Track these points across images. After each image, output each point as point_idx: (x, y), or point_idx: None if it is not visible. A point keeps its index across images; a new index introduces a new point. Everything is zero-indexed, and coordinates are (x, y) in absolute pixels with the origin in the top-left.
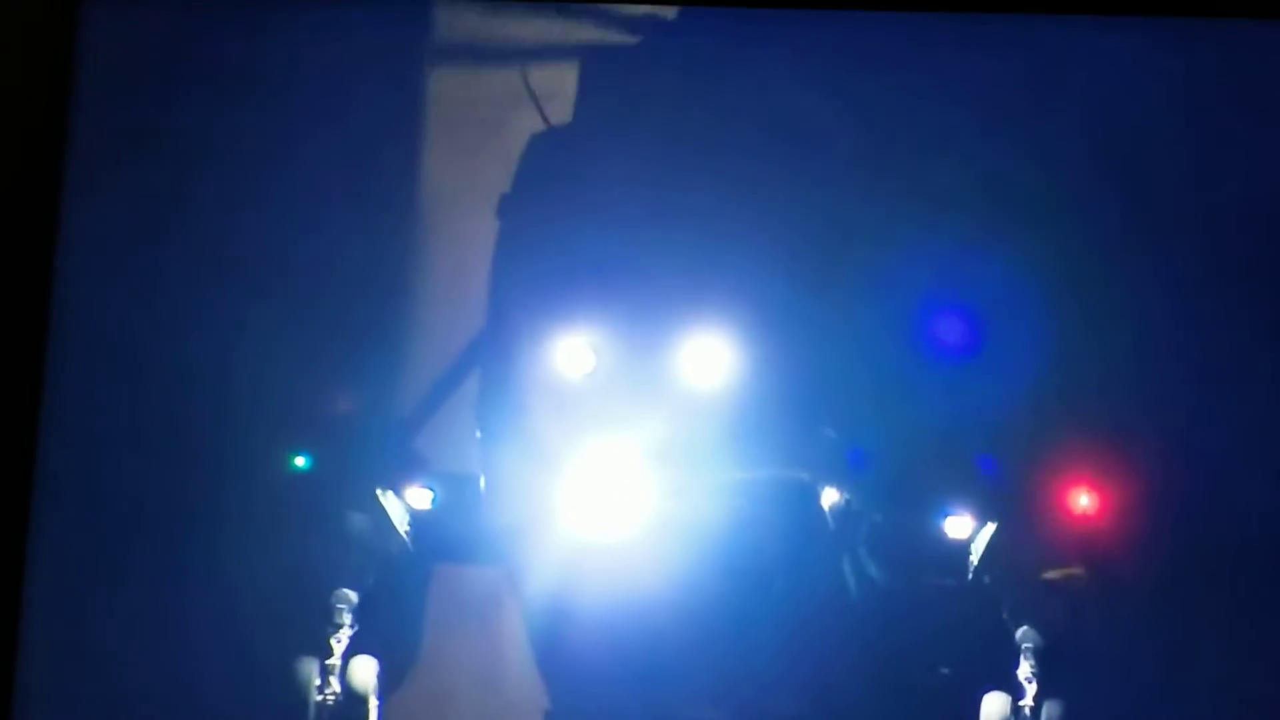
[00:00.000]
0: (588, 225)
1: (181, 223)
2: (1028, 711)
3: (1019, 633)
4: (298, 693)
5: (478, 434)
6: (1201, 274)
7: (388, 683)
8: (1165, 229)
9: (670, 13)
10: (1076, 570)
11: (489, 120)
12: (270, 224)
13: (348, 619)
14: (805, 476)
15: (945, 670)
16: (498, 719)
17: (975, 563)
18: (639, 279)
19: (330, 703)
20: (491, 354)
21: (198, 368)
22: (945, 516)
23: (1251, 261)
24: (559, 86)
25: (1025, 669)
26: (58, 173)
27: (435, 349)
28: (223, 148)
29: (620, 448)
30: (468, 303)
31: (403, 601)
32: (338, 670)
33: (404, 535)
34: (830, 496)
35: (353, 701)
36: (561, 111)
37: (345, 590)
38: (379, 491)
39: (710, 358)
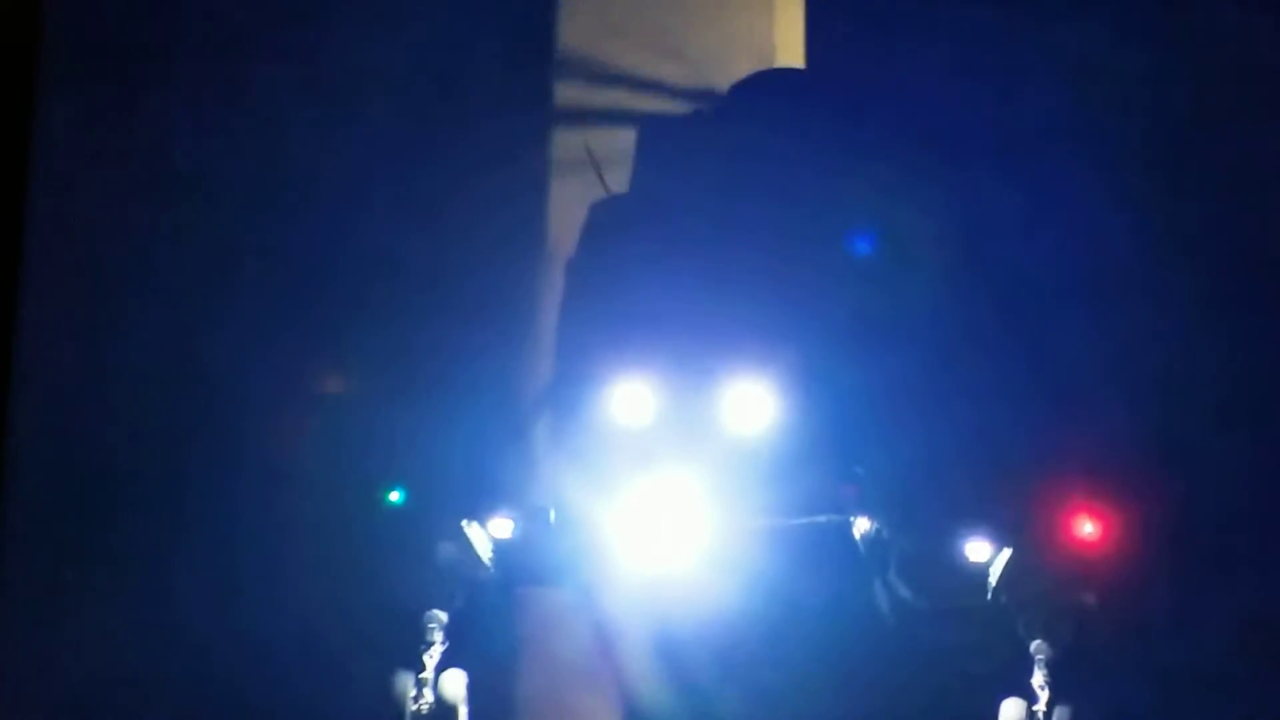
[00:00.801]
0: (645, 283)
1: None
2: (1041, 716)
3: (1033, 645)
4: (395, 703)
5: (547, 470)
6: (1206, 313)
7: (475, 692)
8: (1174, 261)
9: (722, 89)
10: (1083, 589)
11: (557, 178)
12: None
13: (439, 636)
14: (840, 518)
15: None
16: None
17: (993, 584)
18: (691, 331)
19: (424, 711)
20: (557, 399)
21: (297, 414)
22: (966, 543)
23: (1257, 294)
24: (619, 153)
25: (1039, 678)
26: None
27: (507, 397)
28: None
29: (674, 484)
30: (535, 353)
31: (488, 620)
32: (430, 682)
33: (487, 561)
34: (862, 526)
35: (444, 710)
36: (620, 178)
37: (436, 611)
38: (464, 523)
39: (755, 402)
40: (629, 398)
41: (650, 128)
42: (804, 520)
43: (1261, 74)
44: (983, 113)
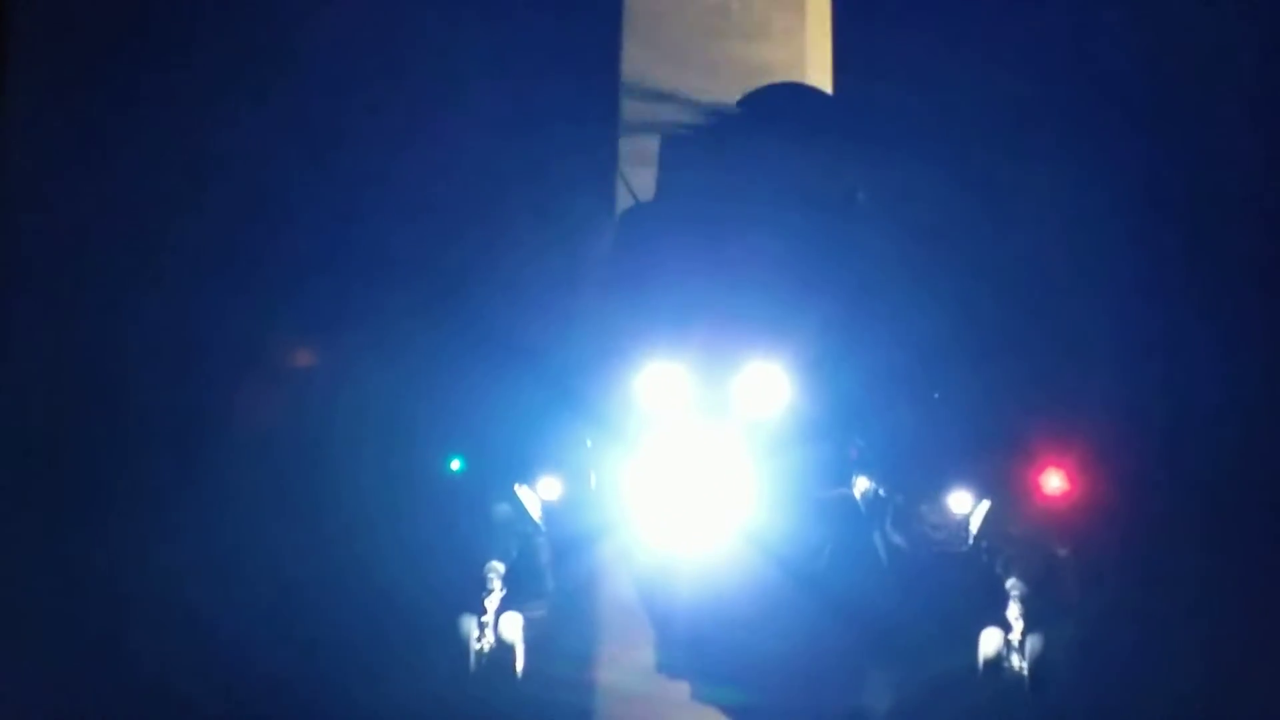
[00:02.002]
0: (676, 280)
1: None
2: (1015, 643)
3: (1008, 583)
4: (461, 642)
5: (589, 443)
6: (1166, 299)
7: (530, 632)
8: (1141, 226)
9: (733, 105)
10: (1051, 534)
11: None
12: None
13: (498, 584)
14: (847, 491)
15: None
16: (614, 659)
17: (974, 532)
18: (715, 323)
19: (486, 649)
20: (598, 382)
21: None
22: (950, 498)
23: (1230, 265)
24: (646, 162)
25: (1014, 610)
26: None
27: (555, 379)
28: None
29: (700, 453)
30: (581, 341)
31: (539, 570)
32: (491, 624)
33: (537, 520)
34: (862, 487)
35: (502, 647)
36: (647, 185)
37: (495, 562)
38: (517, 487)
39: (771, 383)
40: (661, 379)
41: (673, 138)
42: (824, 495)
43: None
44: (985, 107)
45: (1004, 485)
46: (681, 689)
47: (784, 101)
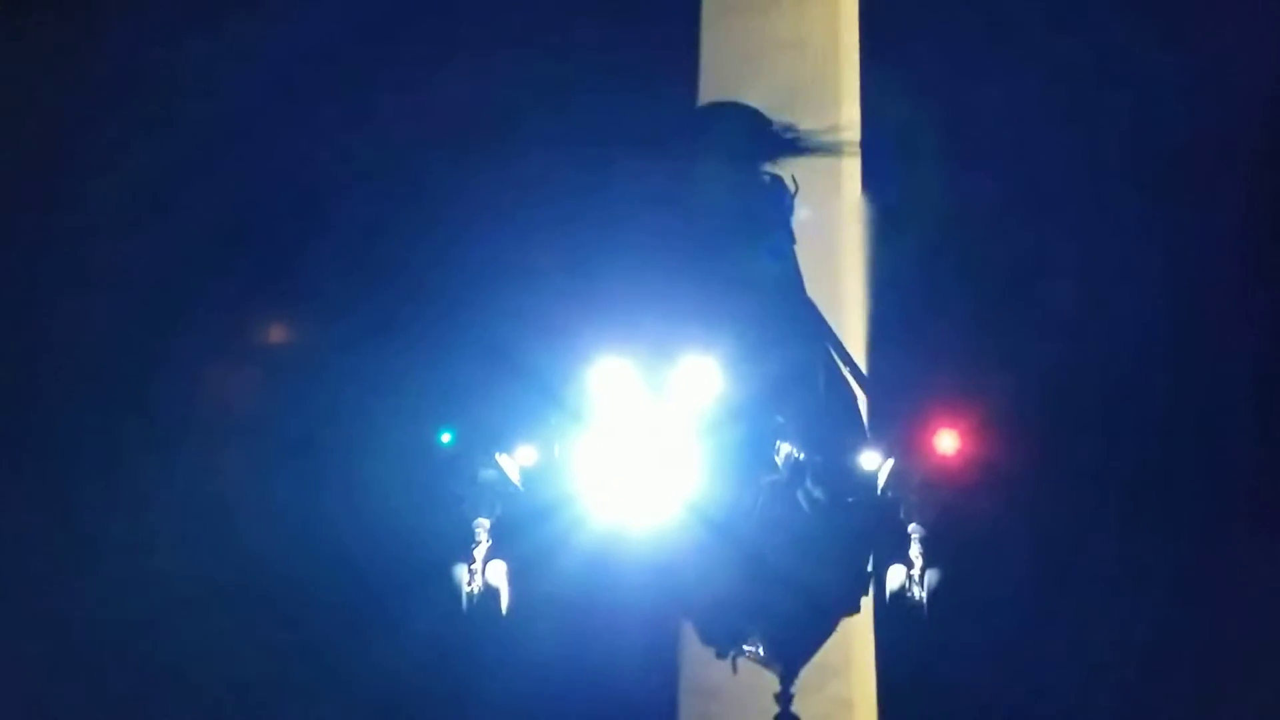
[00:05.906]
0: (625, 284)
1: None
2: (916, 576)
3: (910, 527)
4: (454, 586)
5: (552, 421)
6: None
7: (512, 577)
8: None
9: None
10: (944, 485)
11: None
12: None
13: (485, 537)
14: (781, 475)
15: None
16: (583, 598)
17: (881, 484)
18: (658, 321)
19: (475, 592)
20: (560, 371)
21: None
22: (860, 456)
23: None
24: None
25: (915, 550)
26: None
27: (525, 369)
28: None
29: (645, 429)
30: (550, 335)
31: (519, 524)
32: (480, 570)
33: (517, 482)
34: (784, 450)
35: (490, 591)
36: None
37: (482, 518)
38: (498, 455)
39: (705, 372)
40: (612, 370)
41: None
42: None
43: None
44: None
45: (905, 445)
46: (635, 617)
47: (726, 125)
